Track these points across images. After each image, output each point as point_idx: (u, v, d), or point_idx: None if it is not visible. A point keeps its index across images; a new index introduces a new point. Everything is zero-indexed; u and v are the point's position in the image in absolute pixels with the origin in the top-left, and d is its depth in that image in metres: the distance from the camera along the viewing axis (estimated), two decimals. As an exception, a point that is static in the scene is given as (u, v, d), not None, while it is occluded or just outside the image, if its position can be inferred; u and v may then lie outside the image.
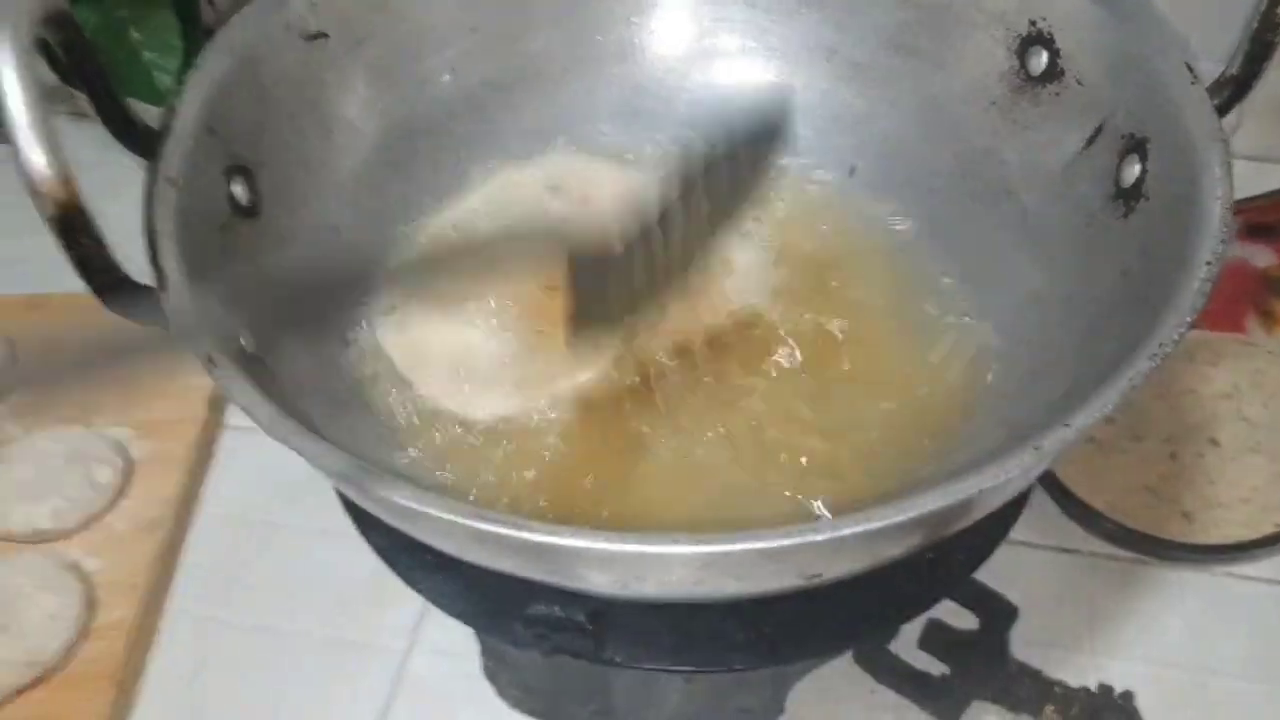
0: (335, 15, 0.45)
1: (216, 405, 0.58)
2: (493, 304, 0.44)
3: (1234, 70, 0.35)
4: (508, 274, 0.41)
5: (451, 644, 0.49)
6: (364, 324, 0.44)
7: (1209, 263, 0.30)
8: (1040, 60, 0.42)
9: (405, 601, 0.48)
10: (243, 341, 0.34)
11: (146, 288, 0.32)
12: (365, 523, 0.38)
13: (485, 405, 0.41)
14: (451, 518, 0.26)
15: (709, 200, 0.34)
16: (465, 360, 0.43)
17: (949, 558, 0.37)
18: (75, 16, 0.34)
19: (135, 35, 0.66)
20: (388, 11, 0.47)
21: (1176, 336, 0.29)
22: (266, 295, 0.39)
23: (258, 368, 0.33)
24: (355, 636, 0.50)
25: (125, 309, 0.32)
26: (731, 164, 0.34)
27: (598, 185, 0.49)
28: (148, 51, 0.66)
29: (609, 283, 0.34)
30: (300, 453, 0.28)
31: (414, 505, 0.26)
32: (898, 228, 0.47)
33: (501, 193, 0.49)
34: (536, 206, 0.47)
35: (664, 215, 0.33)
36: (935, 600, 0.37)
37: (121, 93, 0.38)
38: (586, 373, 0.42)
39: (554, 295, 0.40)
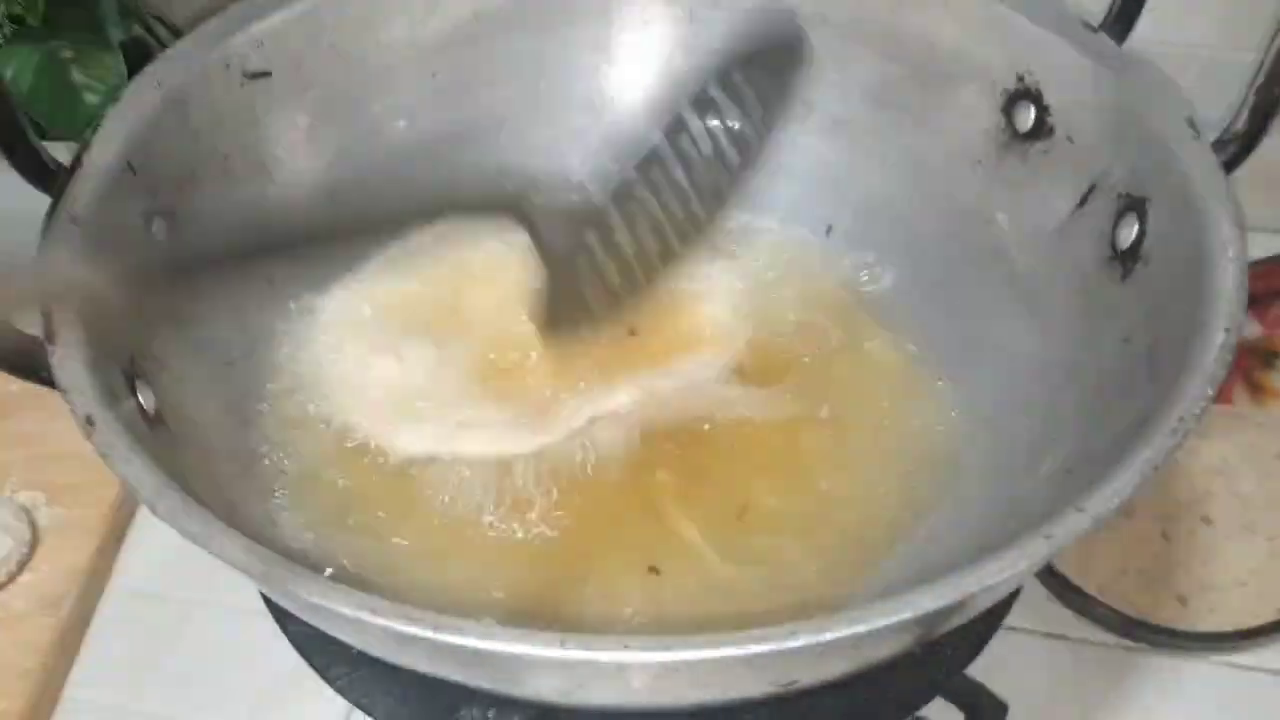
0: (281, 54, 0.43)
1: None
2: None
3: (1239, 126, 0.33)
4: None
5: (384, 742, 0.44)
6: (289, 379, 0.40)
7: (1228, 329, 0.27)
8: (1028, 116, 0.40)
9: (332, 695, 0.43)
10: (140, 399, 0.30)
11: (32, 339, 0.29)
12: (280, 610, 0.34)
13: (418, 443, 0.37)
14: (360, 615, 0.22)
15: (704, 171, 0.31)
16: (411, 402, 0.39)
17: (936, 654, 0.34)
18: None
19: (78, 77, 0.64)
20: (340, 52, 0.44)
21: (1198, 410, 0.26)
22: (183, 350, 0.35)
23: (158, 430, 0.29)
24: (275, 731, 0.45)
25: (5, 364, 0.28)
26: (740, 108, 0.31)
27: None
28: (90, 95, 0.63)
29: (584, 271, 0.31)
30: (188, 536, 0.24)
31: (319, 601, 0.22)
32: (876, 289, 0.45)
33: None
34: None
35: (655, 174, 0.30)
36: (921, 703, 0.33)
37: (60, 134, 0.35)
38: (544, 438, 0.38)
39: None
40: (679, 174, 0.30)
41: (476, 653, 0.22)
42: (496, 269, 0.43)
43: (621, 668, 0.22)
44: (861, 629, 0.21)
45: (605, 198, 0.30)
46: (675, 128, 0.30)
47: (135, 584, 0.51)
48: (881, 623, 0.21)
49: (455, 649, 0.22)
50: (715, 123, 0.30)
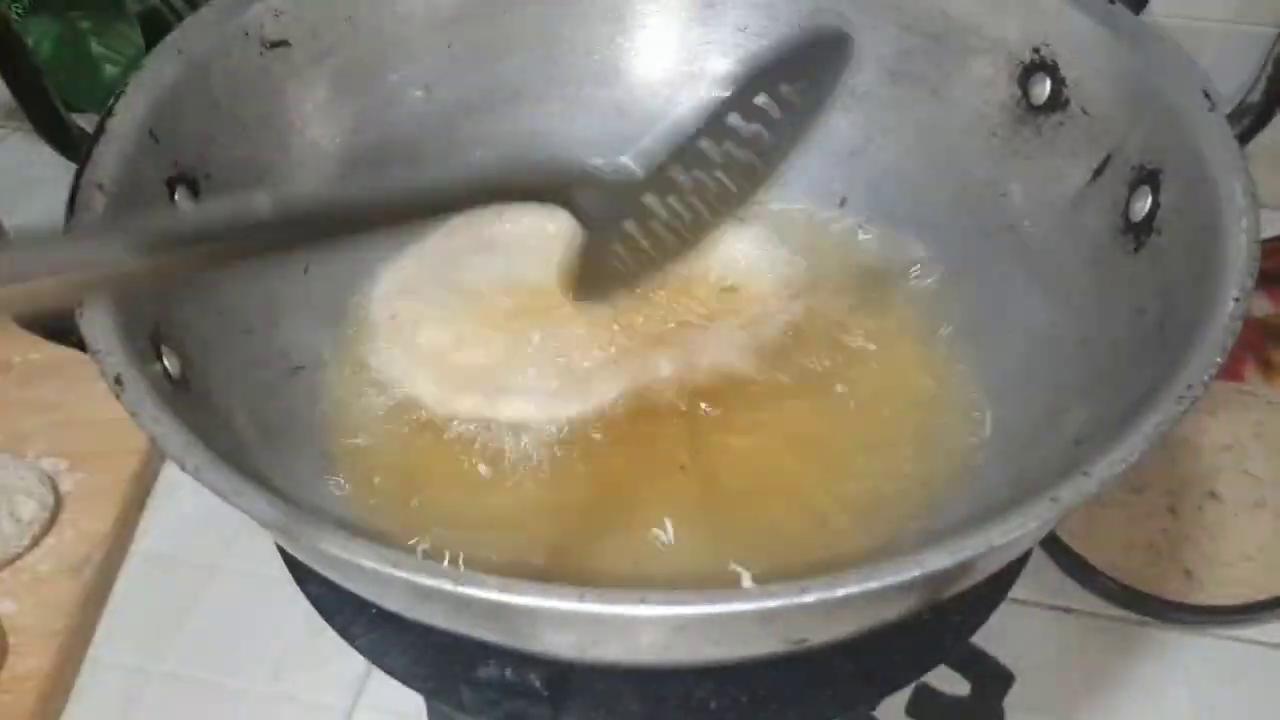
0: (300, 23, 0.43)
1: (159, 437, 0.54)
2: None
3: (1255, 97, 0.33)
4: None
5: (399, 704, 0.45)
6: (315, 350, 0.40)
7: (1237, 298, 0.28)
8: (1044, 89, 0.40)
9: (350, 654, 0.44)
10: (166, 364, 0.30)
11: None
12: (300, 571, 0.34)
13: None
14: (380, 568, 0.22)
15: (748, 145, 0.31)
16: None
17: (944, 619, 0.34)
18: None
19: (97, 48, 0.64)
20: (358, 22, 0.45)
21: (1206, 378, 0.26)
22: (203, 316, 0.36)
23: (181, 394, 0.30)
24: (294, 693, 0.46)
25: (37, 326, 0.29)
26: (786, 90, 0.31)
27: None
28: (109, 66, 0.64)
29: (620, 233, 0.31)
30: (215, 490, 0.24)
31: (341, 554, 0.23)
32: (891, 261, 0.45)
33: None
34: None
35: (692, 153, 0.30)
36: (928, 668, 0.33)
37: (80, 105, 0.35)
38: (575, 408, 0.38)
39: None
40: (714, 155, 0.31)
41: (496, 606, 0.22)
42: (544, 235, 0.44)
43: (638, 621, 0.22)
44: (872, 585, 0.22)
45: (644, 176, 0.30)
46: (713, 122, 0.30)
47: (157, 548, 0.52)
48: (891, 580, 0.22)
49: (475, 602, 0.22)
50: (755, 125, 0.31)
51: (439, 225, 0.46)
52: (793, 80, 0.31)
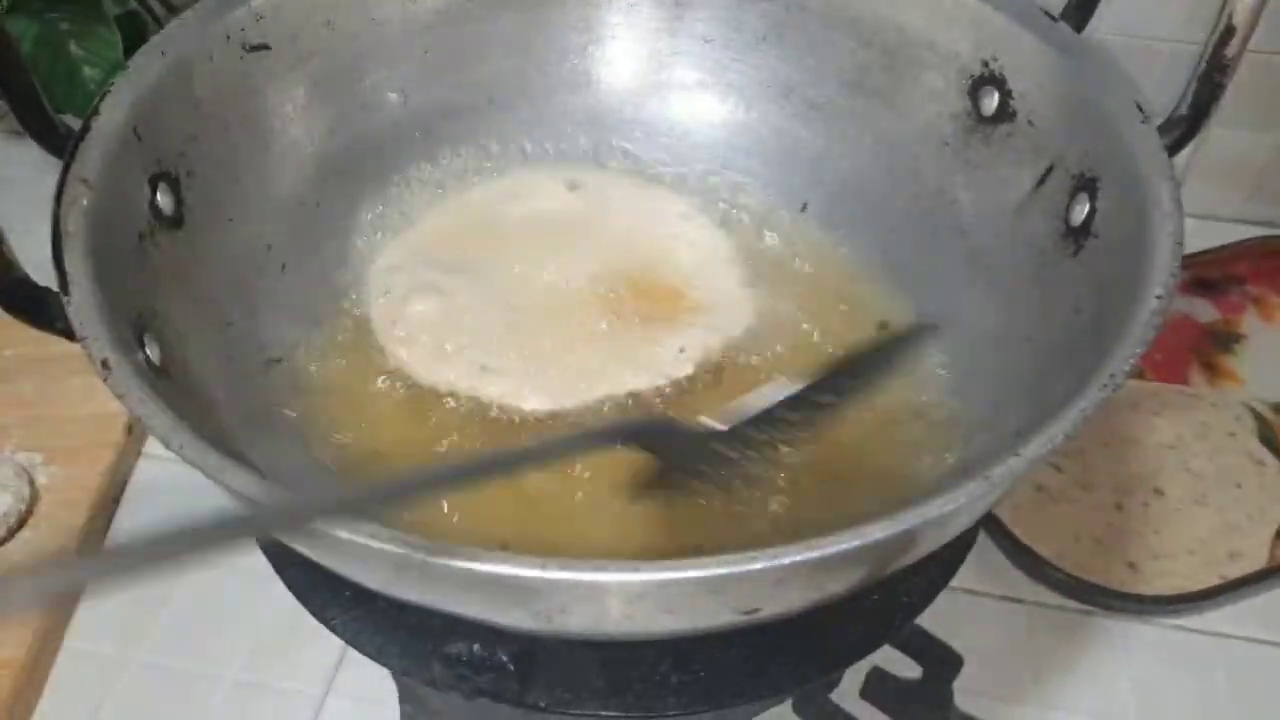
0: (280, 28, 0.44)
1: (135, 432, 0.55)
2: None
3: (1184, 110, 0.35)
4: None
5: (371, 690, 0.46)
6: (294, 342, 0.42)
7: (1159, 295, 0.30)
8: (992, 101, 0.42)
9: (323, 642, 0.45)
10: (148, 352, 0.31)
11: (47, 290, 0.30)
12: (277, 554, 0.35)
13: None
14: (358, 539, 0.24)
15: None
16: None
17: (893, 600, 0.36)
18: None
19: (76, 50, 0.65)
20: (337, 27, 0.46)
21: (1128, 367, 0.28)
22: (183, 307, 0.37)
23: (163, 381, 0.31)
24: (268, 680, 0.47)
25: (22, 312, 0.30)
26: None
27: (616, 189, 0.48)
28: (88, 68, 0.65)
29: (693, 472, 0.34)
30: (200, 468, 0.26)
31: (320, 527, 0.24)
32: (848, 265, 0.46)
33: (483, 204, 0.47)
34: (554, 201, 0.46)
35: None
36: (878, 644, 0.35)
37: (57, 106, 0.36)
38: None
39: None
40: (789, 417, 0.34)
41: (467, 575, 0.24)
42: (543, 222, 0.46)
43: (598, 588, 0.24)
44: (814, 555, 0.23)
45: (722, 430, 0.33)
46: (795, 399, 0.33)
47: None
48: (832, 550, 0.24)
49: (447, 571, 0.24)
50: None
51: (433, 205, 0.47)
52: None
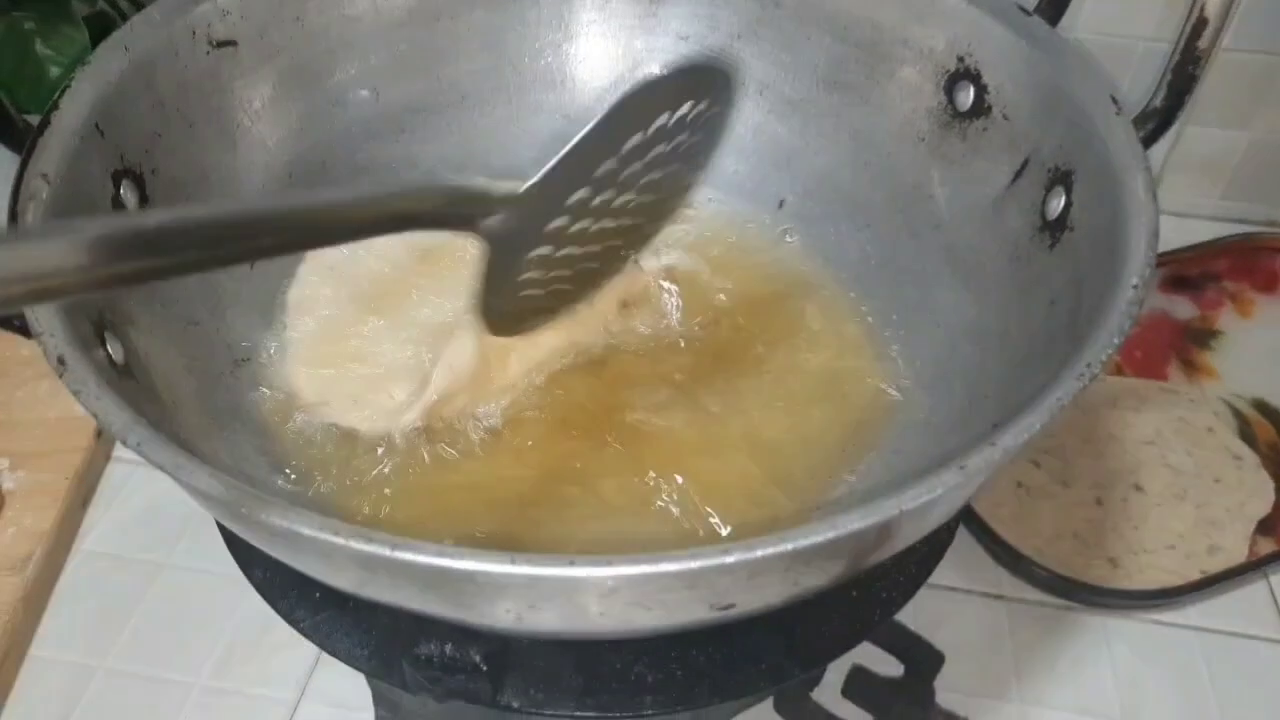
0: (248, 23, 0.43)
1: (104, 435, 0.54)
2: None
3: (1158, 102, 0.35)
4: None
5: (344, 695, 0.45)
6: (256, 343, 0.41)
7: (1135, 285, 0.29)
8: (967, 96, 0.42)
9: (297, 647, 0.44)
10: (110, 350, 0.31)
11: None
12: (244, 555, 0.35)
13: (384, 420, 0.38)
14: (323, 536, 0.23)
15: (655, 168, 0.31)
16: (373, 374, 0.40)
17: (871, 597, 0.35)
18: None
19: (42, 49, 0.64)
20: (307, 23, 0.45)
21: (1105, 356, 0.28)
22: (148, 307, 0.36)
23: (126, 381, 0.30)
24: (240, 686, 0.46)
25: (-21, 309, 0.29)
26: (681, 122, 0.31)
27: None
28: (54, 67, 0.64)
29: (532, 261, 0.31)
30: (160, 465, 0.25)
31: (283, 524, 0.23)
32: (826, 260, 0.46)
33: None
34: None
35: (602, 178, 0.30)
36: (857, 641, 0.35)
37: (22, 106, 0.35)
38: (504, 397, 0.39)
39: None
40: (622, 176, 0.31)
41: (433, 572, 0.23)
42: (453, 250, 0.45)
43: (569, 583, 0.23)
44: (787, 547, 0.23)
45: (544, 193, 0.30)
46: (612, 142, 0.30)
47: (100, 547, 0.51)
48: (805, 542, 0.23)
49: (414, 568, 0.23)
50: (660, 146, 0.31)
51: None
52: (688, 102, 0.31)
